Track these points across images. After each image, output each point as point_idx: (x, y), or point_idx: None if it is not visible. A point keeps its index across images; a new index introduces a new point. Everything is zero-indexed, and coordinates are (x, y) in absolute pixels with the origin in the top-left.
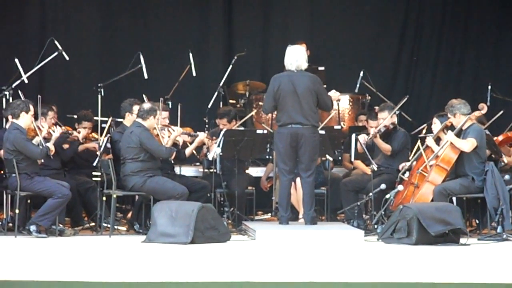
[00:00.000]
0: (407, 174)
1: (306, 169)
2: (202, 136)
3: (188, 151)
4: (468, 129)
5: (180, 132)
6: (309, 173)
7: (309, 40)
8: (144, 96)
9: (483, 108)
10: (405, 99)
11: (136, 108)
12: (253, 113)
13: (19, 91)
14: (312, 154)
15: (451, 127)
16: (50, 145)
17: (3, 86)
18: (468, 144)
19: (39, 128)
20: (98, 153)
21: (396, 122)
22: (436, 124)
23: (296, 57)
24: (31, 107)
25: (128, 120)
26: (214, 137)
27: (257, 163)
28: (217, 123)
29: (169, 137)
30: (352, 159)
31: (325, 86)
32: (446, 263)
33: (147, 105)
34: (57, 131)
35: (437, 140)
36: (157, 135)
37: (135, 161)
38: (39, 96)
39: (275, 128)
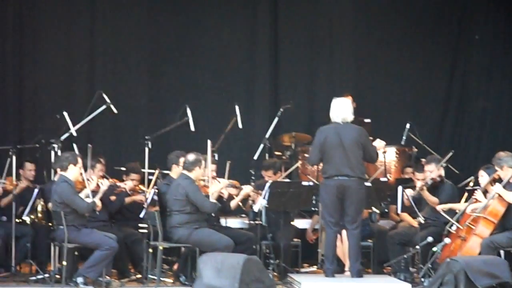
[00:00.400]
0: (454, 227)
1: (352, 221)
2: (247, 189)
3: (233, 204)
4: None
5: (225, 184)
6: (355, 225)
7: (355, 92)
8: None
9: None
10: (450, 154)
11: (182, 160)
12: (298, 164)
13: (73, 144)
14: (359, 206)
15: (499, 180)
16: (97, 200)
17: (51, 139)
18: None
19: (88, 181)
20: (145, 205)
21: (443, 175)
22: (483, 177)
23: (342, 109)
24: (79, 160)
25: (175, 172)
26: (259, 190)
27: (303, 215)
28: (262, 175)
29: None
30: (399, 211)
31: (371, 138)
32: None
33: (191, 156)
34: (105, 184)
35: (484, 192)
36: (204, 186)
37: (181, 213)
38: (89, 145)
39: (321, 180)
